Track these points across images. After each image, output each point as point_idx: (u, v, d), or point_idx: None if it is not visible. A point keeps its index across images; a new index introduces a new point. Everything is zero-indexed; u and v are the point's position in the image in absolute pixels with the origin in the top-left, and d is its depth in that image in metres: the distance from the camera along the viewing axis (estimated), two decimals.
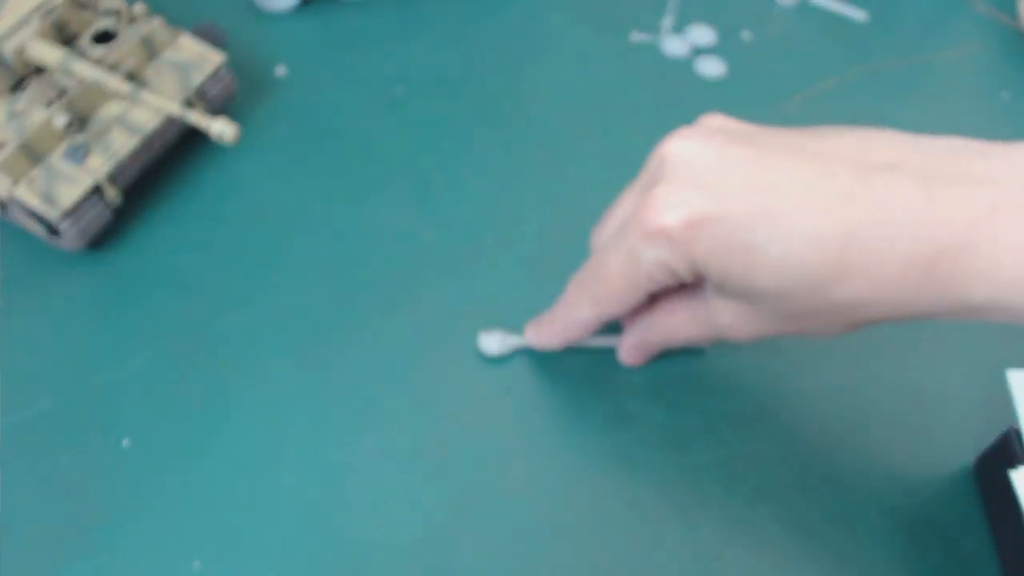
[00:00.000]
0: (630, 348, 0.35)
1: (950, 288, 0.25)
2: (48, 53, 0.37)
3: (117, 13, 0.40)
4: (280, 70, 0.45)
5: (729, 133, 0.28)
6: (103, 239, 0.39)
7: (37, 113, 0.37)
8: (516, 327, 0.36)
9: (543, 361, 0.36)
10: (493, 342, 0.36)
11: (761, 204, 0.26)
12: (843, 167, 0.26)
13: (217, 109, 0.42)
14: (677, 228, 0.27)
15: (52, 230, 0.37)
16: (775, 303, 0.28)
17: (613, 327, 0.36)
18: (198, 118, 0.36)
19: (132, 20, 0.40)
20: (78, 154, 0.37)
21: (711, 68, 0.46)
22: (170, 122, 0.39)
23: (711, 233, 0.27)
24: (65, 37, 0.39)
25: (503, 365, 0.36)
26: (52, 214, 0.36)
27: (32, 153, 0.36)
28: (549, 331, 0.35)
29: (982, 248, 0.24)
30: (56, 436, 0.34)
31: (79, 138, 0.37)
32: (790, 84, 0.46)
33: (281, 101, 0.44)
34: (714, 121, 0.30)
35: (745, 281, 0.27)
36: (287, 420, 0.35)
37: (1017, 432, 0.31)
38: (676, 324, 0.32)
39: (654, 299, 0.33)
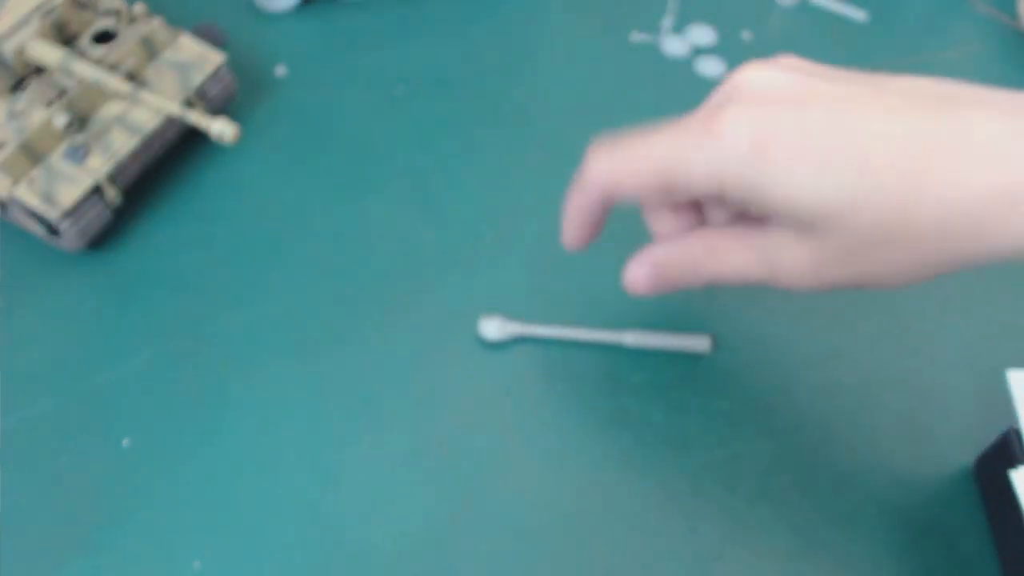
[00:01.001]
0: (649, 263, 0.30)
1: None
2: (48, 53, 0.37)
3: (117, 13, 0.40)
4: (280, 70, 0.45)
5: (807, 71, 0.28)
6: (103, 239, 0.39)
7: (37, 113, 0.37)
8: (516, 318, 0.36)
9: (543, 360, 0.36)
10: (492, 327, 0.36)
11: (837, 136, 0.25)
12: (925, 100, 0.26)
13: (217, 109, 0.42)
14: (743, 145, 0.26)
15: (52, 230, 0.37)
16: (844, 235, 0.26)
17: (613, 323, 0.36)
18: (198, 118, 0.36)
19: (132, 20, 0.40)
20: (78, 154, 0.37)
21: (711, 68, 0.46)
22: (170, 122, 0.39)
23: (776, 157, 0.26)
24: (65, 37, 0.39)
25: (503, 365, 0.36)
26: (52, 214, 0.36)
27: (32, 153, 0.36)
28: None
29: None
30: (56, 436, 0.34)
31: (79, 138, 0.37)
32: None
33: (281, 101, 0.44)
34: (790, 60, 0.29)
35: (815, 202, 0.26)
36: (287, 420, 0.35)
37: (1017, 432, 0.31)
38: (726, 249, 0.29)
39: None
